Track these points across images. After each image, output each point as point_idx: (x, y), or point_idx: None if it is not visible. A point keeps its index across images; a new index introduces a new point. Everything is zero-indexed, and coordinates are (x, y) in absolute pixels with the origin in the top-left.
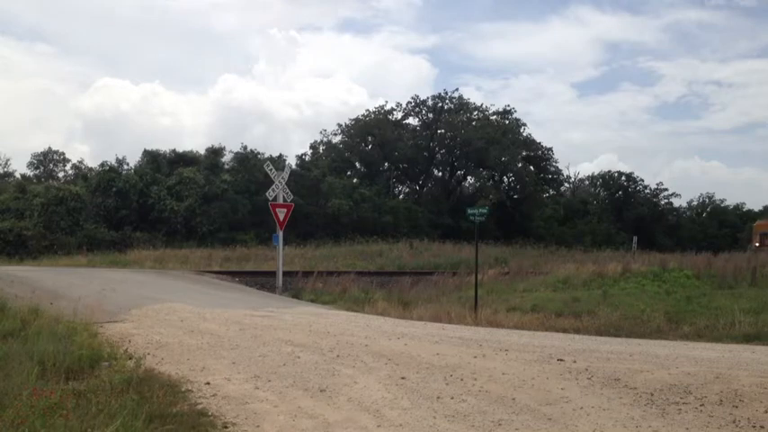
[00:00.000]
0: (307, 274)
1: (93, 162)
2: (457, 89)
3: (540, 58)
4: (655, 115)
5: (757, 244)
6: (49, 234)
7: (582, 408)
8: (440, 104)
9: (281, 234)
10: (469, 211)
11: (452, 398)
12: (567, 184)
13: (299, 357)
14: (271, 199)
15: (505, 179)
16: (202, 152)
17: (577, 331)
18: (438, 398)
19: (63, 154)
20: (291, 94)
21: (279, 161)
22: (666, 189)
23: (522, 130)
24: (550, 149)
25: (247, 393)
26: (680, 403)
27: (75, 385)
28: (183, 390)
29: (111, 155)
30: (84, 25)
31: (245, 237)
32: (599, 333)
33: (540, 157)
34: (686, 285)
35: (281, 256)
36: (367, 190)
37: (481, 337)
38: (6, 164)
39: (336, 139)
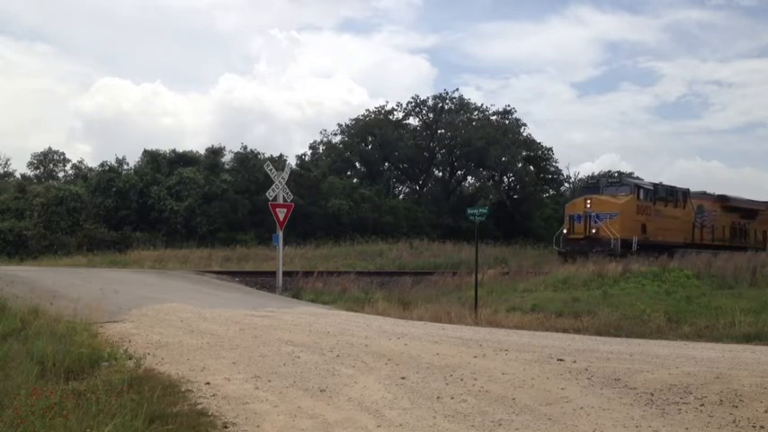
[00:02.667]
0: (307, 274)
1: (95, 162)
2: (457, 89)
3: (539, 57)
4: (655, 115)
5: (565, 230)
6: (49, 234)
7: (582, 408)
8: (440, 104)
9: (281, 234)
10: (469, 211)
11: (452, 398)
12: (567, 184)
13: (299, 357)
14: (271, 199)
15: (505, 179)
16: (203, 152)
17: (577, 331)
18: (438, 398)
19: (63, 154)
20: (293, 94)
21: (279, 161)
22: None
23: (522, 130)
24: (550, 149)
25: (247, 393)
26: (680, 403)
27: (76, 385)
28: (183, 390)
29: (113, 155)
30: (85, 25)
31: (245, 237)
32: (599, 333)
33: (540, 157)
34: (686, 285)
35: (281, 256)
36: (367, 190)
37: (481, 337)
38: (6, 164)
39: (336, 139)
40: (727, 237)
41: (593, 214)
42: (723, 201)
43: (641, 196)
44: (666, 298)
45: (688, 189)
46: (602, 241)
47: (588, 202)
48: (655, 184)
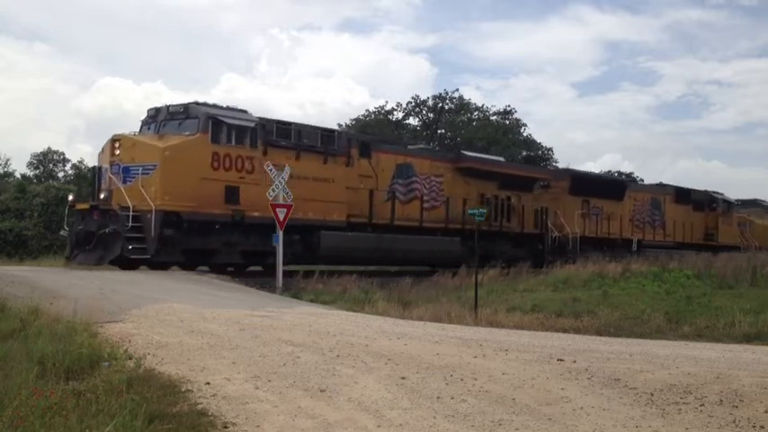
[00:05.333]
0: (307, 274)
1: (95, 162)
2: (457, 89)
3: (539, 57)
4: (655, 115)
5: (71, 197)
6: (49, 234)
7: (582, 408)
8: (440, 104)
9: (281, 234)
10: (470, 211)
11: (452, 398)
12: None
13: (299, 357)
14: (271, 199)
15: None
16: None
17: (577, 331)
18: (438, 398)
19: (63, 154)
20: (294, 94)
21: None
22: None
23: (522, 131)
24: (550, 149)
25: (247, 393)
26: (680, 403)
27: (76, 385)
28: (183, 390)
29: None
30: (84, 24)
31: None
32: (599, 333)
33: (540, 157)
34: (686, 285)
35: (280, 256)
36: None
37: (481, 337)
38: (6, 164)
39: None
40: (461, 216)
41: (119, 167)
42: (457, 161)
43: (224, 138)
44: (666, 298)
45: (368, 141)
46: (116, 215)
47: (117, 145)
48: (266, 120)
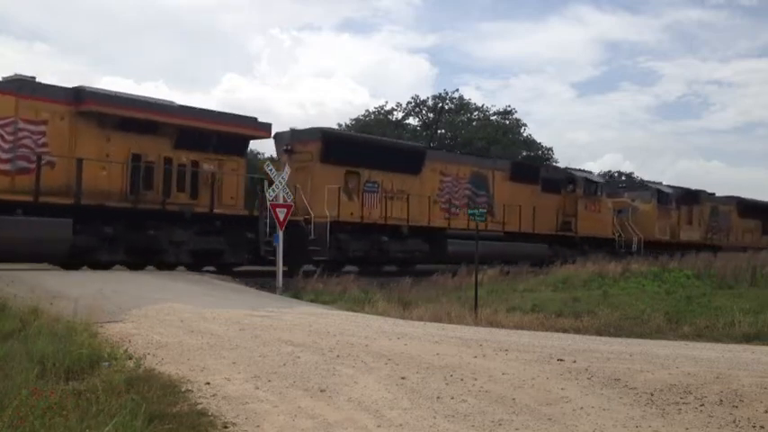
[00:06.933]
0: (307, 274)
1: None
2: (457, 89)
3: (539, 57)
4: (655, 115)
5: None
6: None
7: (582, 408)
8: (440, 104)
9: (281, 234)
10: (470, 211)
11: (452, 398)
12: None
13: (299, 357)
14: (271, 199)
15: None
16: None
17: (577, 331)
18: (438, 398)
19: None
20: (294, 94)
21: (280, 161)
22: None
23: (522, 131)
24: (550, 149)
25: (247, 393)
26: (680, 403)
27: (76, 385)
28: (183, 390)
29: None
30: (84, 24)
31: None
32: (599, 333)
33: (540, 158)
34: (686, 285)
35: (280, 256)
36: None
37: (481, 337)
38: None
39: None
40: (74, 185)
41: None
42: (78, 102)
43: None
44: (666, 298)
45: None
46: None
47: None
48: None
